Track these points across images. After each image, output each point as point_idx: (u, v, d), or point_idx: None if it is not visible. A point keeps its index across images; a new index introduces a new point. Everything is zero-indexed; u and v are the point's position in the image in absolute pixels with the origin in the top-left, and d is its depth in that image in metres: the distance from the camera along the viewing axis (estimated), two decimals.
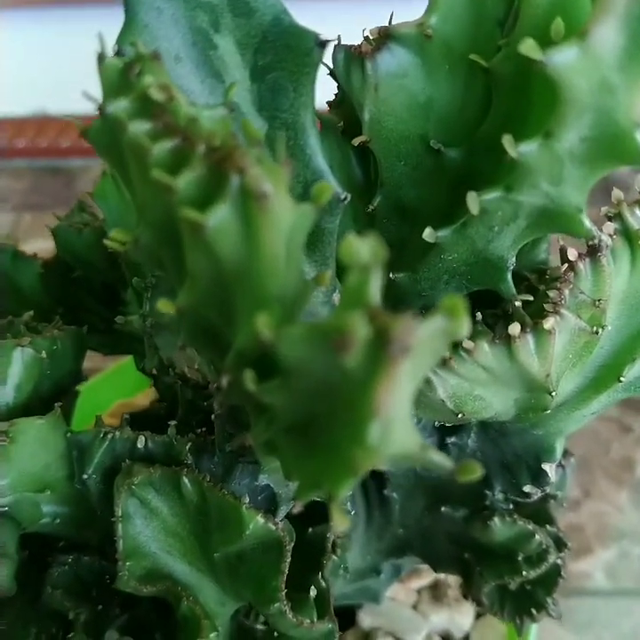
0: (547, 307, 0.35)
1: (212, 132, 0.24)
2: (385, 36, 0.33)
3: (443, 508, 0.48)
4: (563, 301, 0.35)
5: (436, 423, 0.48)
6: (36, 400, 0.42)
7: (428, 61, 0.34)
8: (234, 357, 0.26)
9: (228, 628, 0.43)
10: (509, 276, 0.35)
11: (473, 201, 0.30)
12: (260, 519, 0.37)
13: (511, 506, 0.47)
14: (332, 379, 0.22)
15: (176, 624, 0.41)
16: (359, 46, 0.34)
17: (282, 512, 0.38)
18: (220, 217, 0.23)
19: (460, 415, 0.37)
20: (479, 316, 0.37)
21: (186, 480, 0.38)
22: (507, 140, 0.28)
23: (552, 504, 0.48)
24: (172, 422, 0.41)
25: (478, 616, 0.59)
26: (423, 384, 0.36)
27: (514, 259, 0.34)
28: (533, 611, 0.46)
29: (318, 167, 0.33)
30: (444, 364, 0.35)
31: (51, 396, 0.43)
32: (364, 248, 0.22)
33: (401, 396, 0.21)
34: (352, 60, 0.34)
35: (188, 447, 0.40)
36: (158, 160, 0.24)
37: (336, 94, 0.40)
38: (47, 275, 0.51)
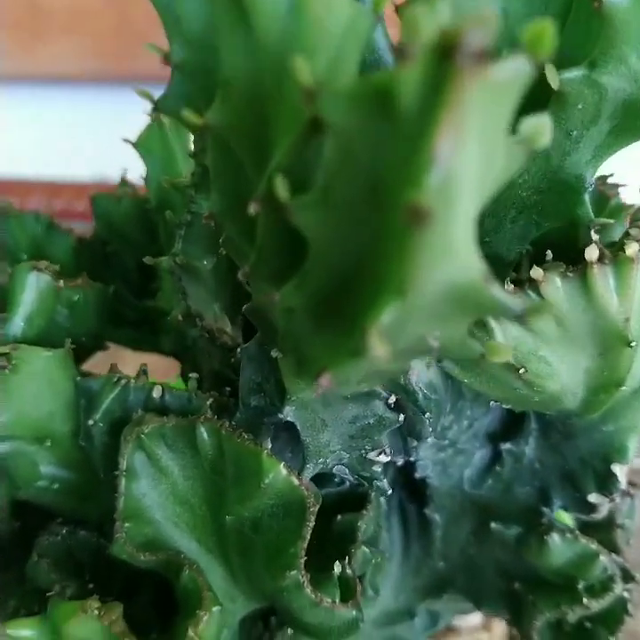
0: (627, 241, 0.31)
1: None
2: None
3: (493, 526, 0.41)
4: None
5: (489, 429, 0.43)
6: (47, 345, 0.38)
7: None
8: (267, 181, 0.22)
9: (236, 634, 0.37)
10: (587, 198, 0.31)
11: (552, 75, 0.27)
12: (283, 469, 0.31)
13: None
14: (381, 150, 0.18)
15: (174, 622, 0.36)
16: None
17: (308, 471, 0.33)
18: None
19: (521, 371, 0.32)
20: (549, 254, 0.32)
21: (202, 429, 0.33)
22: None
23: (619, 533, 0.41)
24: (194, 375, 0.37)
25: None
26: (479, 329, 0.31)
27: (593, 178, 0.30)
28: None
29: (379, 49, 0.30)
30: None
31: None
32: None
33: (466, 148, 0.17)
34: None
35: (208, 403, 0.35)
36: None
37: None
38: (81, 249, 0.48)
